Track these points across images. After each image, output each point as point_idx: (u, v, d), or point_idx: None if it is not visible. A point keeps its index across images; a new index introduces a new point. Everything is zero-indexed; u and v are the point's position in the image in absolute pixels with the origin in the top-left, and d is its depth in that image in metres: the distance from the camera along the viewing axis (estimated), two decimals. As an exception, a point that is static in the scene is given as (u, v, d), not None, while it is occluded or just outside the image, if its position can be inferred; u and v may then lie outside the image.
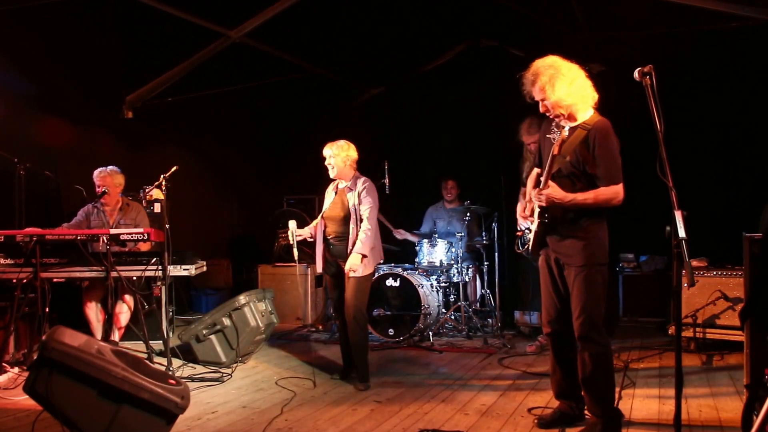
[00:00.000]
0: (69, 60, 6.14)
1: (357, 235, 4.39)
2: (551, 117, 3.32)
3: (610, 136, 3.18)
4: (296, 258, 4.53)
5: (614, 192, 3.14)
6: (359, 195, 4.46)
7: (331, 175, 4.61)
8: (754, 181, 6.18)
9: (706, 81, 6.51)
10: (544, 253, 3.45)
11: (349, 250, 4.38)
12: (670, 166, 2.61)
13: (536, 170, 3.50)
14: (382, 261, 4.76)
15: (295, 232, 4.61)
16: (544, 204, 3.22)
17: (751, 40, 5.66)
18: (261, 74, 7.46)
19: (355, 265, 4.31)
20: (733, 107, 6.46)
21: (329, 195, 4.70)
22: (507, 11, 6.37)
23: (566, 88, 3.17)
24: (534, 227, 3.39)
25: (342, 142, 4.57)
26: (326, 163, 4.57)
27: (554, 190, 3.18)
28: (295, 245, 4.56)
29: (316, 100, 8.46)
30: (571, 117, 3.25)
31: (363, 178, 4.57)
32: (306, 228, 4.74)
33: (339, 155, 4.52)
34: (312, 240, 4.77)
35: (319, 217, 4.77)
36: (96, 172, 5.31)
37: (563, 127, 3.21)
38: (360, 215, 4.44)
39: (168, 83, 6.58)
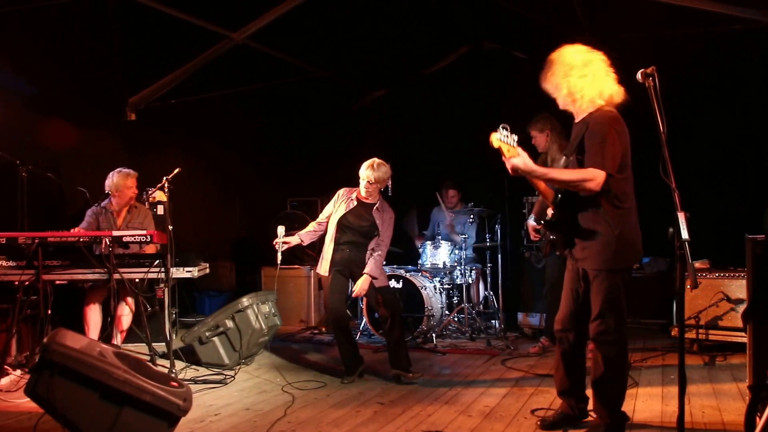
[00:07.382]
0: (72, 62, 6.14)
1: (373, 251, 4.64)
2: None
3: (603, 124, 3.05)
4: (279, 264, 4.61)
5: (590, 174, 2.99)
6: (384, 219, 4.65)
7: (363, 193, 4.64)
8: (757, 183, 6.17)
9: (709, 83, 6.50)
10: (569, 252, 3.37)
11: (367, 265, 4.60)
12: (673, 168, 2.61)
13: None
14: None
15: (282, 238, 4.66)
16: (510, 173, 3.14)
17: (754, 43, 5.66)
18: (264, 77, 7.46)
19: (364, 289, 4.56)
20: (736, 109, 6.46)
21: (345, 202, 4.69)
22: (509, 14, 6.38)
23: (574, 85, 3.11)
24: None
25: (384, 169, 4.58)
26: (365, 185, 4.58)
27: (520, 160, 3.08)
28: (280, 252, 4.65)
29: (319, 103, 8.46)
30: (579, 112, 3.20)
31: (386, 203, 4.75)
32: (295, 236, 4.78)
33: (380, 182, 4.57)
34: (301, 245, 4.87)
35: (316, 222, 4.83)
36: (128, 175, 5.29)
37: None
38: (381, 237, 4.65)
39: (171, 85, 6.59)
